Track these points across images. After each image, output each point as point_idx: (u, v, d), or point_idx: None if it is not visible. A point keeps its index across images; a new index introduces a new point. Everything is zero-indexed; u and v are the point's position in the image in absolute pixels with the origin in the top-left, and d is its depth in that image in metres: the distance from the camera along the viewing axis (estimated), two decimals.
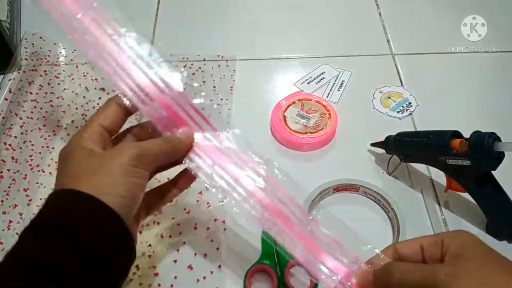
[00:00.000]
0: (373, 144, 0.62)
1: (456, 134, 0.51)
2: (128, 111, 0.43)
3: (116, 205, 0.35)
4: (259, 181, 0.43)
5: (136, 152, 0.38)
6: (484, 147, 0.46)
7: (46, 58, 0.74)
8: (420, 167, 0.61)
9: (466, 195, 0.54)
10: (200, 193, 0.58)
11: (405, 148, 0.56)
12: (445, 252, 0.34)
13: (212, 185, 0.42)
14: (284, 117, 0.64)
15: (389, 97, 0.69)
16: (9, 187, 0.59)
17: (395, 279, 0.34)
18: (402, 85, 0.71)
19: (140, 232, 0.55)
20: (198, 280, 0.51)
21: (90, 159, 0.38)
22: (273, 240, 0.52)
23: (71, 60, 0.74)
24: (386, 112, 0.67)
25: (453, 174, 0.53)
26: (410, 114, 0.67)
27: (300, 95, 0.68)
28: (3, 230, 0.55)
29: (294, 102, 0.66)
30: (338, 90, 0.70)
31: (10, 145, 0.63)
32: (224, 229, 0.55)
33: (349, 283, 0.39)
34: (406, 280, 0.34)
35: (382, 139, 0.60)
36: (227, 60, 0.74)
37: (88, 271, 0.32)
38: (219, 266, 0.52)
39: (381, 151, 0.62)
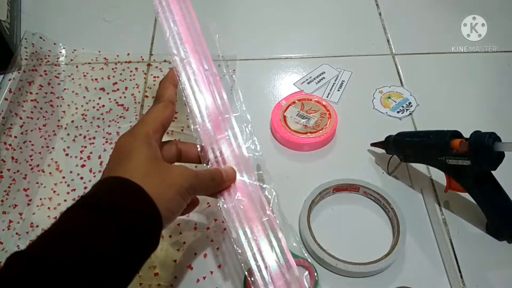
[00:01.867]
0: (373, 144, 0.61)
1: (456, 134, 0.51)
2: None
3: (164, 217, 0.38)
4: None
5: (195, 181, 0.42)
6: (484, 147, 0.46)
7: (46, 58, 0.74)
8: (420, 167, 0.61)
9: (466, 195, 0.54)
10: None
11: (405, 148, 0.56)
12: None
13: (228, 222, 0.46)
14: (284, 117, 0.64)
15: (389, 97, 0.69)
16: (9, 187, 0.59)
17: None
18: (402, 85, 0.71)
19: None
20: (198, 280, 0.51)
21: (155, 163, 0.41)
22: None
23: (71, 60, 0.74)
24: (386, 112, 0.67)
25: (453, 174, 0.53)
26: (410, 114, 0.67)
27: (300, 95, 0.68)
28: (3, 230, 0.55)
29: (294, 102, 0.66)
30: (338, 90, 0.70)
31: (10, 145, 0.63)
32: (224, 229, 0.55)
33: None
34: None
35: (382, 139, 0.60)
36: (227, 60, 0.74)
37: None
38: (219, 266, 0.52)
39: (381, 151, 0.62)
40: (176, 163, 0.47)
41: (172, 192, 0.40)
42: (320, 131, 0.63)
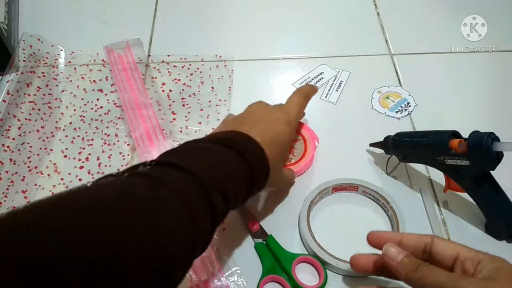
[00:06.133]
0: (372, 144, 0.61)
1: (455, 134, 0.51)
2: None
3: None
4: None
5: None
6: (483, 147, 0.46)
7: (44, 60, 0.74)
8: (419, 167, 0.61)
9: (465, 195, 0.54)
10: None
11: (404, 148, 0.56)
12: (478, 271, 0.37)
13: None
14: None
15: (388, 97, 0.69)
16: (7, 189, 0.59)
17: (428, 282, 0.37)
18: (400, 85, 0.71)
19: None
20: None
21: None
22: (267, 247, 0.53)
23: (69, 62, 0.74)
24: (385, 112, 0.67)
25: (452, 174, 0.53)
26: (409, 114, 0.67)
27: None
28: None
29: None
30: (337, 91, 0.70)
31: (8, 146, 0.63)
32: (224, 229, 0.55)
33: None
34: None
35: (381, 139, 0.60)
36: (225, 61, 0.74)
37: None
38: (219, 269, 0.52)
39: (379, 151, 0.61)
40: None
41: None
42: (296, 164, 0.59)
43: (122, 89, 0.69)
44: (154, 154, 0.62)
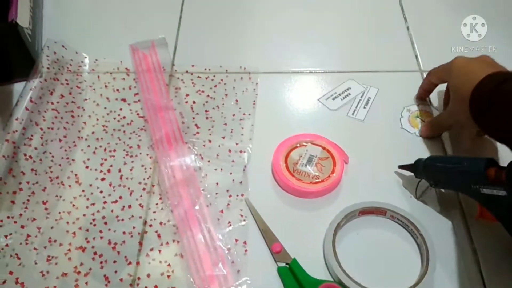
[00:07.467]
0: (401, 167, 0.59)
1: (491, 162, 0.49)
2: None
3: None
4: None
5: None
6: None
7: (67, 67, 0.73)
8: (450, 192, 0.58)
9: (497, 223, 0.51)
10: (221, 211, 0.57)
11: (436, 174, 0.54)
12: None
13: None
14: (286, 163, 0.60)
15: (418, 116, 0.67)
16: (28, 200, 0.58)
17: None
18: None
19: (160, 251, 0.54)
20: None
21: None
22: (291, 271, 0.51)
23: (93, 69, 0.73)
24: (415, 132, 0.65)
25: (486, 204, 0.50)
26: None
27: (299, 139, 0.63)
28: (20, 243, 0.54)
29: (295, 147, 0.62)
30: (364, 107, 0.68)
31: (30, 156, 0.62)
32: (246, 250, 0.54)
33: None
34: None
35: (410, 160, 0.58)
36: (249, 73, 0.73)
37: None
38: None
39: (408, 173, 0.59)
40: None
41: None
42: (325, 181, 0.58)
43: (145, 89, 0.69)
44: (172, 157, 0.61)
